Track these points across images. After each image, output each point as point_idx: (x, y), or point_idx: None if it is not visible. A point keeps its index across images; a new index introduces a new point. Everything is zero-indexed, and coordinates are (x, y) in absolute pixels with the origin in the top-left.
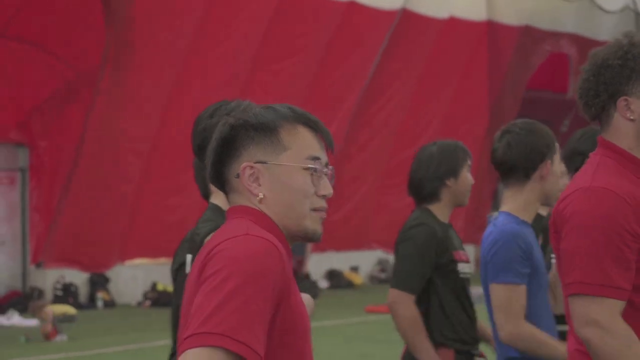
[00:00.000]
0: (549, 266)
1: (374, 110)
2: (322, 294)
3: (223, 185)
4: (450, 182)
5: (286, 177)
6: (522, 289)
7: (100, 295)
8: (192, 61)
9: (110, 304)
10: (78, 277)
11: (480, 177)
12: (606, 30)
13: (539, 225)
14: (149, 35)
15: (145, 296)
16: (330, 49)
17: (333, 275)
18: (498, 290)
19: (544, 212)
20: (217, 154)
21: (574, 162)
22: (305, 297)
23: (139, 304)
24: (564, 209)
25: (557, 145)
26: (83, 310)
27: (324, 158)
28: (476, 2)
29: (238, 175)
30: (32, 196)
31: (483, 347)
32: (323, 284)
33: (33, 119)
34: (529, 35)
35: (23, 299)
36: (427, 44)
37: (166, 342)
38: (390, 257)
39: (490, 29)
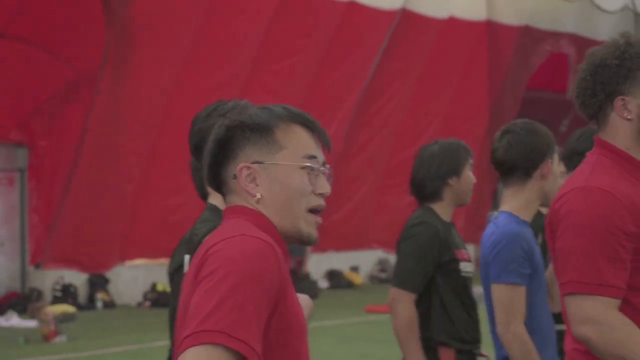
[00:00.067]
0: (547, 265)
1: (374, 110)
2: (322, 294)
3: (220, 187)
4: (452, 181)
5: (283, 176)
6: (523, 290)
7: (100, 296)
8: (193, 61)
9: (109, 304)
10: (77, 278)
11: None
12: (605, 30)
13: (539, 224)
14: (149, 35)
15: (145, 297)
16: (330, 49)
17: (333, 275)
18: (500, 291)
19: (544, 210)
20: (214, 155)
21: (573, 162)
22: (304, 298)
23: (139, 304)
24: (560, 208)
25: (555, 145)
26: (82, 311)
27: (321, 157)
28: (476, 2)
29: (235, 176)
30: (31, 197)
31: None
32: (323, 284)
33: (33, 119)
34: (528, 35)
35: (22, 300)
36: (427, 44)
37: (166, 342)
38: (391, 257)
39: (490, 29)
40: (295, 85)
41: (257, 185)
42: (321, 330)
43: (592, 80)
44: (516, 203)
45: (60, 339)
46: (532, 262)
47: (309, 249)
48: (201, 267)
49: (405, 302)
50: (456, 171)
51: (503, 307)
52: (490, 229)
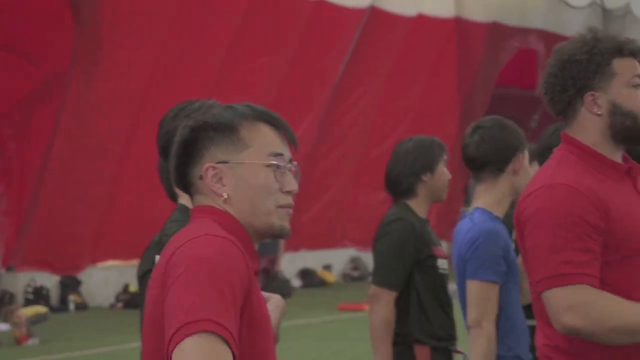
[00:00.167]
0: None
1: (344, 108)
2: (295, 292)
3: (187, 188)
4: (426, 177)
5: (249, 175)
6: (497, 289)
7: (72, 297)
8: (163, 61)
9: (82, 306)
10: (49, 280)
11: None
12: (574, 26)
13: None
14: (119, 36)
15: (117, 298)
16: (300, 48)
17: (306, 274)
18: (475, 287)
19: None
20: (179, 156)
21: (545, 157)
22: (276, 297)
23: (111, 306)
24: (526, 207)
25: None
26: (55, 313)
27: (287, 154)
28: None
29: (201, 177)
30: (1, 200)
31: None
32: (296, 282)
33: (2, 122)
34: (497, 32)
35: None
36: (396, 41)
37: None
38: (363, 255)
39: (459, 26)
40: (265, 84)
41: (223, 185)
42: (294, 329)
43: (562, 75)
44: (489, 199)
45: (32, 342)
46: (508, 259)
47: (281, 247)
48: (169, 268)
49: (384, 301)
50: (430, 167)
51: (477, 303)
52: (466, 225)
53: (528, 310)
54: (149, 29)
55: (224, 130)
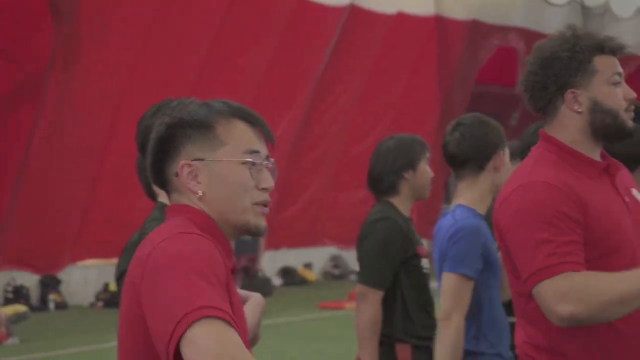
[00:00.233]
0: None
1: (325, 106)
2: (276, 291)
3: (164, 185)
4: (408, 175)
5: (225, 172)
6: (472, 284)
7: (52, 297)
8: (143, 60)
9: (62, 305)
10: (29, 279)
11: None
12: (553, 23)
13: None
14: (98, 35)
15: (98, 297)
16: (280, 46)
17: (286, 272)
18: (450, 279)
19: None
20: (155, 154)
21: (527, 155)
22: (257, 296)
23: (92, 305)
24: (505, 210)
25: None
26: (35, 313)
27: (264, 151)
28: None
29: (177, 174)
30: None
31: None
32: (276, 281)
33: None
34: (477, 30)
35: None
36: (376, 40)
37: None
38: (344, 254)
39: (439, 24)
40: (245, 83)
41: (199, 183)
42: (274, 328)
43: (543, 73)
44: (471, 196)
45: (12, 341)
46: (489, 257)
47: (262, 246)
48: (146, 270)
49: (371, 300)
50: (412, 165)
51: (450, 295)
52: (447, 221)
53: (509, 308)
54: (129, 28)
55: (200, 127)
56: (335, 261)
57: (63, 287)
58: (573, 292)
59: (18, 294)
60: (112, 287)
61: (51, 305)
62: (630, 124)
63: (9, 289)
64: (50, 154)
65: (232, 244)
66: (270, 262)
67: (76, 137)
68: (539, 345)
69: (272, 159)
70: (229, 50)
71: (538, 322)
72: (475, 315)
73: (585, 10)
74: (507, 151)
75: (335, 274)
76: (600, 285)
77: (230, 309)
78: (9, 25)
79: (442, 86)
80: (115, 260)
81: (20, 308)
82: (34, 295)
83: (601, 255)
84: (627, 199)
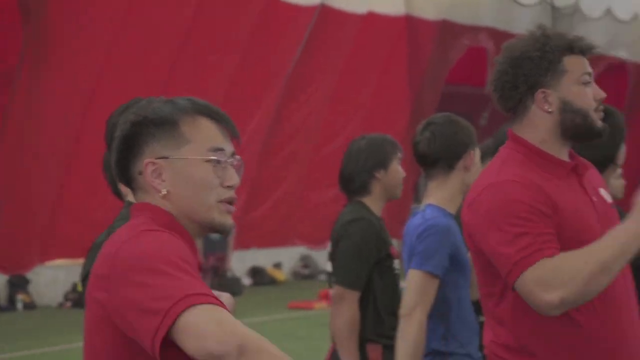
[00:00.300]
0: None
1: (296, 106)
2: (245, 291)
3: (130, 183)
4: (379, 175)
5: (189, 170)
6: (437, 282)
7: (20, 297)
8: (112, 59)
9: (30, 305)
10: None
11: None
12: (523, 23)
13: None
14: (68, 31)
15: (66, 297)
16: (250, 45)
17: (256, 272)
18: (415, 276)
19: None
20: (120, 152)
21: None
22: (226, 296)
23: (60, 305)
24: (474, 212)
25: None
26: (3, 313)
27: (229, 148)
28: None
29: (141, 173)
30: None
31: None
32: (246, 280)
33: None
34: (447, 30)
35: None
36: (347, 39)
37: None
38: (313, 253)
39: (409, 24)
40: (216, 82)
41: (163, 181)
42: None
43: (514, 72)
44: (441, 195)
45: None
46: (458, 256)
47: (231, 246)
48: (113, 272)
49: (349, 301)
50: (383, 164)
51: (414, 292)
52: (417, 220)
53: (479, 307)
54: (98, 27)
55: (164, 124)
56: (305, 261)
57: (31, 287)
58: (554, 277)
59: None
60: (81, 287)
61: (19, 306)
62: (599, 124)
63: None
64: (19, 152)
65: (198, 242)
66: (240, 262)
67: (45, 136)
68: (507, 345)
69: (237, 157)
70: (199, 49)
71: (507, 322)
72: (443, 315)
73: (554, 10)
74: (477, 151)
75: (305, 274)
76: (578, 262)
77: (211, 292)
78: None
79: (412, 86)
80: (83, 261)
81: None
82: (2, 295)
83: None
84: (594, 199)
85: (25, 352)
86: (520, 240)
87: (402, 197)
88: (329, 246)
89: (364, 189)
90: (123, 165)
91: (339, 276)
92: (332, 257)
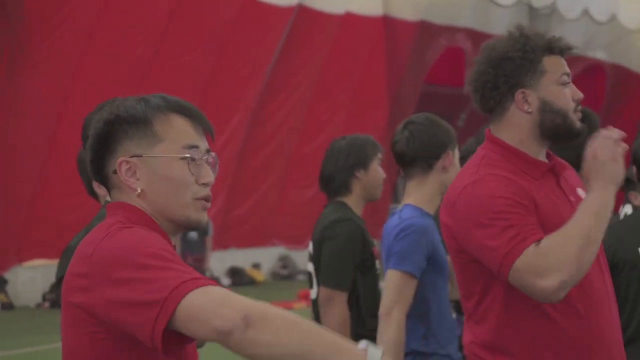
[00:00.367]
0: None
1: (275, 106)
2: None
3: (105, 182)
4: (360, 174)
5: (163, 168)
6: (415, 282)
7: None
8: (89, 59)
9: (8, 306)
10: None
11: None
12: (500, 24)
13: None
14: (44, 32)
15: (44, 298)
16: (229, 45)
17: (235, 272)
18: (393, 276)
19: None
20: (94, 151)
21: None
22: None
23: (38, 305)
24: (458, 208)
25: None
26: None
27: (204, 145)
28: None
29: (116, 171)
30: None
31: None
32: (225, 281)
33: None
34: (425, 30)
35: None
36: (325, 40)
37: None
38: (292, 254)
39: (387, 25)
40: (195, 81)
41: (137, 179)
42: None
43: (494, 73)
44: (419, 195)
45: None
46: (436, 257)
47: (209, 246)
48: (93, 269)
49: (339, 302)
50: (364, 164)
51: (392, 292)
52: (394, 221)
53: (457, 307)
54: (75, 25)
55: (137, 123)
56: (284, 261)
57: (9, 288)
58: (546, 262)
59: None
60: (55, 290)
61: None
62: (578, 124)
63: None
64: None
65: (174, 240)
66: (219, 262)
67: (22, 135)
68: (486, 344)
69: (213, 153)
70: (176, 49)
71: (486, 323)
72: (423, 315)
73: (532, 11)
74: (456, 152)
75: (284, 274)
76: (563, 242)
77: (201, 275)
78: None
79: (391, 86)
80: None
81: None
82: None
83: None
84: (572, 199)
85: (3, 353)
86: (507, 233)
87: (381, 198)
88: (309, 246)
89: (344, 189)
90: (97, 164)
91: (326, 277)
92: (315, 257)
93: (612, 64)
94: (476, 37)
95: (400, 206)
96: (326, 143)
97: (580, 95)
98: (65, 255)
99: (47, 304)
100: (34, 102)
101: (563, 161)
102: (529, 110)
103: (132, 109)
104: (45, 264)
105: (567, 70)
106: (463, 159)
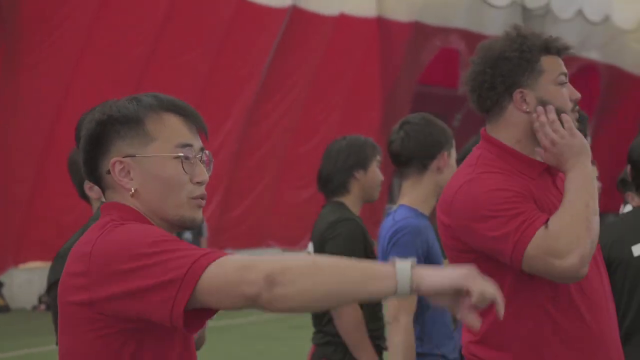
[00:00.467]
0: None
1: (270, 107)
2: None
3: (99, 183)
4: (359, 175)
5: (156, 168)
6: None
7: None
8: (86, 60)
9: (4, 308)
10: None
11: None
12: (494, 25)
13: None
14: (43, 33)
15: (40, 300)
16: (223, 46)
17: None
18: None
19: None
20: (87, 151)
21: None
22: None
23: (34, 307)
24: (458, 206)
25: (452, 139)
26: None
27: (197, 144)
28: None
29: (109, 172)
30: None
31: None
32: None
33: None
34: (419, 31)
35: None
36: (320, 41)
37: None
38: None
39: (381, 26)
40: (191, 82)
41: (131, 179)
42: (218, 329)
43: (492, 73)
44: (414, 196)
45: None
46: (431, 257)
47: (204, 247)
48: (92, 267)
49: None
50: (363, 165)
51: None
52: (388, 222)
53: None
54: (71, 26)
55: (130, 123)
56: None
57: (5, 290)
58: (560, 244)
59: None
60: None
61: None
62: (575, 124)
63: None
64: None
65: None
66: None
67: (20, 135)
68: (482, 341)
69: (207, 151)
70: (171, 49)
71: (485, 320)
72: (418, 316)
73: (526, 11)
74: (453, 152)
75: None
76: (571, 219)
77: (210, 249)
78: None
79: (385, 87)
80: None
81: None
82: None
83: None
84: None
85: (0, 355)
86: (513, 221)
87: (377, 199)
88: (309, 247)
89: (343, 189)
90: (91, 165)
91: None
92: None
93: (606, 64)
94: (470, 38)
95: (395, 207)
96: (321, 144)
97: (578, 95)
98: (57, 260)
99: (43, 307)
100: (33, 101)
101: None
102: (527, 110)
103: (124, 109)
104: (41, 266)
105: (565, 70)
106: (462, 160)
